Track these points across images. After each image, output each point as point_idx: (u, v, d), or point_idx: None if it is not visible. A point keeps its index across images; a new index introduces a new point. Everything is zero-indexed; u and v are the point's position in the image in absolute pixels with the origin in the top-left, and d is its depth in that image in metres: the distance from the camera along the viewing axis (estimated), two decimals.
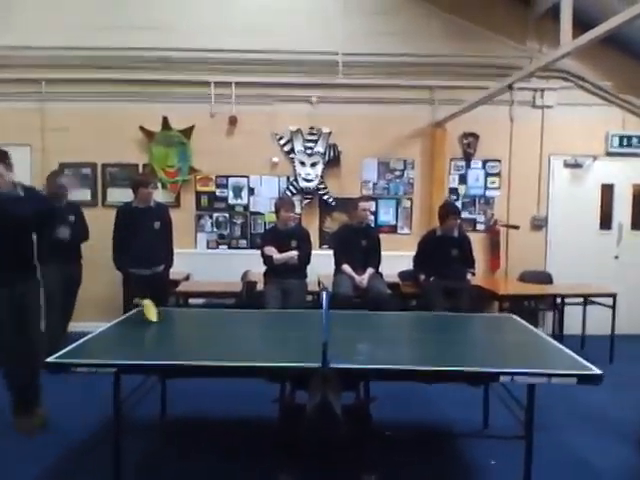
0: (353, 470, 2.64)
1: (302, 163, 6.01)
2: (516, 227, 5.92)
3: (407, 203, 6.20)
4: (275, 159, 6.03)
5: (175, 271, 5.10)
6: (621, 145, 6.14)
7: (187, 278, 5.69)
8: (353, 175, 6.11)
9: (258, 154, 6.01)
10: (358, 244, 5.14)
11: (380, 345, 2.94)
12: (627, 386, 4.30)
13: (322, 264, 5.22)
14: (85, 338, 2.86)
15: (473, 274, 5.29)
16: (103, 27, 5.74)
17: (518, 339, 3.17)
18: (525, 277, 5.94)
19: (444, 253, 5.13)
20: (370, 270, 5.06)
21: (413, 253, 5.38)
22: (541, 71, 4.75)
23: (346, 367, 2.39)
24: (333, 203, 6.07)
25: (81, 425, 3.38)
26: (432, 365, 2.50)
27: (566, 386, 2.41)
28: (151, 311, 3.25)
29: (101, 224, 4.99)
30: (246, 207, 6.12)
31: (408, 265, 5.49)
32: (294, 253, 4.84)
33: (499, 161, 6.17)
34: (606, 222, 6.24)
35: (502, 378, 2.37)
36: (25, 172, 5.36)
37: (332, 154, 6.02)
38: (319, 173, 6.01)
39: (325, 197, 6.06)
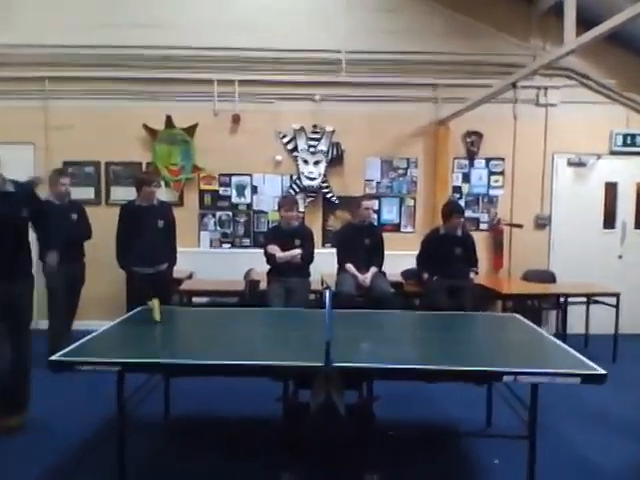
0: (356, 469, 2.64)
1: (305, 161, 6.01)
2: (519, 226, 5.89)
3: (410, 202, 6.19)
4: (278, 157, 6.03)
5: (178, 269, 5.10)
6: (625, 144, 6.12)
7: (190, 277, 5.70)
8: (356, 173, 6.10)
9: (261, 152, 6.01)
10: (361, 243, 5.12)
11: (383, 344, 2.94)
12: (630, 385, 4.30)
13: (325, 263, 5.20)
14: (89, 337, 2.86)
15: (476, 273, 5.28)
16: (106, 25, 5.74)
17: (521, 338, 3.17)
18: (528, 276, 5.91)
19: (447, 252, 5.11)
20: (373, 269, 5.04)
21: (416, 252, 5.37)
22: (545, 69, 4.72)
23: (349, 366, 2.38)
24: (336, 202, 6.07)
25: (84, 424, 3.39)
26: (435, 364, 2.49)
27: (569, 385, 2.41)
28: (157, 311, 3.26)
29: (104, 222, 4.99)
30: (249, 205, 6.12)
31: (411, 264, 5.48)
32: (297, 252, 4.83)
33: (502, 160, 6.16)
34: (610, 221, 6.23)
35: (505, 377, 2.36)
36: (28, 170, 5.36)
37: (335, 152, 6.01)
38: (322, 171, 6.01)
39: (328, 196, 6.06)
